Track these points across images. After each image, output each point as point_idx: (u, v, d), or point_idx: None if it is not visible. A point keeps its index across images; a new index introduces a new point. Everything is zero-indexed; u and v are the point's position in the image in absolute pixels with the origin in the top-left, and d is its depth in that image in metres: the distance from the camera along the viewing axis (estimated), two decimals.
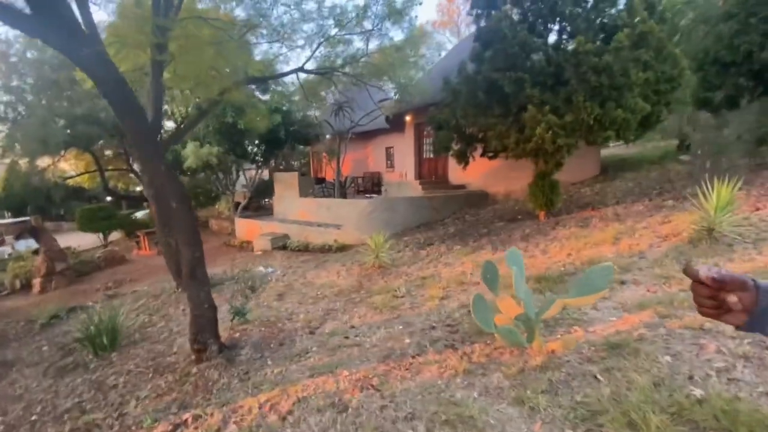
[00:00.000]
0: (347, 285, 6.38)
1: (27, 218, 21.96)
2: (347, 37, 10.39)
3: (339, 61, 10.33)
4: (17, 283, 10.43)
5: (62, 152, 14.45)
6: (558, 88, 6.48)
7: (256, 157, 15.12)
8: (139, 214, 19.10)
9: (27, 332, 7.06)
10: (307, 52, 9.67)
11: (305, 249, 10.57)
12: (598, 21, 6.36)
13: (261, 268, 8.40)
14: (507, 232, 7.60)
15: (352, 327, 4.42)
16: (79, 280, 10.92)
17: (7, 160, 21.31)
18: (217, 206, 16.37)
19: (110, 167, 20.08)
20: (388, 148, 18.28)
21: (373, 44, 10.49)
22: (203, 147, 13.65)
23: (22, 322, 7.66)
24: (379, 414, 2.65)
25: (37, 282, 10.00)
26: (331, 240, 10.11)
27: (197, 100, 8.00)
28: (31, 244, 16.21)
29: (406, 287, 5.58)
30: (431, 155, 14.43)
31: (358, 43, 10.45)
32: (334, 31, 9.83)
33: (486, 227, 8.49)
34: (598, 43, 6.15)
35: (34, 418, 3.86)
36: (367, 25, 10.18)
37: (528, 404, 2.32)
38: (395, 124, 16.19)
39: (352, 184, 17.67)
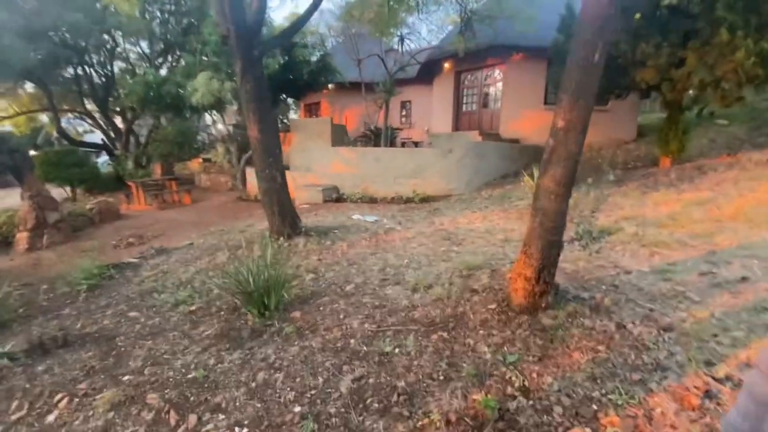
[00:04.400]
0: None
1: None
2: None
3: None
4: None
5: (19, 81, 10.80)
6: (746, 13, 5.81)
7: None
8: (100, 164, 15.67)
9: (72, 297, 5.01)
10: None
11: (371, 201, 9.14)
12: None
13: (358, 216, 6.92)
14: (650, 177, 6.99)
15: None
16: (75, 235, 8.38)
17: None
18: (212, 156, 13.80)
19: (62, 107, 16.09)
20: (403, 102, 16.86)
21: None
22: (213, 80, 11.19)
23: (44, 285, 5.50)
24: None
25: (22, 237, 7.40)
26: (408, 191, 8.79)
27: None
28: None
29: (630, 227, 4.70)
30: (473, 107, 13.41)
31: None
32: None
33: (607, 174, 7.82)
34: None
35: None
36: None
37: None
38: (421, 75, 14.81)
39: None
